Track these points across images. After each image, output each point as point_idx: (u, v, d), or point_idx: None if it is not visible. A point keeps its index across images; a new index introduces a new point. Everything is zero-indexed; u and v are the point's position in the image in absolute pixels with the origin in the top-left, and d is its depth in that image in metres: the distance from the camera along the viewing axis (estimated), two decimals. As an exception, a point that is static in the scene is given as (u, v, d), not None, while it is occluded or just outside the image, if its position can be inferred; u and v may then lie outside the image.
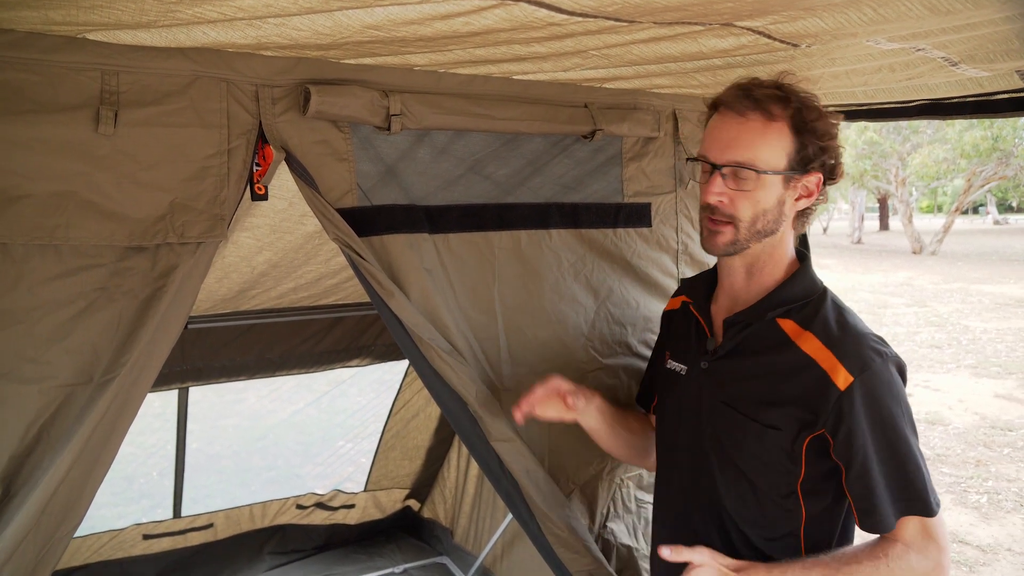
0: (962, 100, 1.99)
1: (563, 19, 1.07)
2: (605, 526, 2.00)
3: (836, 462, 1.34)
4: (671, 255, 2.03)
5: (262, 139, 1.44)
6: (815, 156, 1.35)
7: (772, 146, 1.32)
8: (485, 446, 1.61)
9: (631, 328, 1.96)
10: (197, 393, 3.23)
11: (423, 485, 3.81)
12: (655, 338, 2.01)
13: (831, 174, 1.40)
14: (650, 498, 2.10)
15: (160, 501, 3.68)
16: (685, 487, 1.55)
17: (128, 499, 4.75)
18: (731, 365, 1.46)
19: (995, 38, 1.32)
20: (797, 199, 1.39)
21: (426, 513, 3.82)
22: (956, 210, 22.97)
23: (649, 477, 2.09)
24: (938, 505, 1.33)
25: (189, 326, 2.78)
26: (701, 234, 1.45)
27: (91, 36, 1.24)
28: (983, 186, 22.87)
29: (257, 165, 1.48)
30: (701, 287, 1.60)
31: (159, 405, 3.39)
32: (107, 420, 1.32)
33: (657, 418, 1.68)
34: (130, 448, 5.21)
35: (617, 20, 1.09)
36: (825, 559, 1.31)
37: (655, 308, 1.99)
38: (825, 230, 32.55)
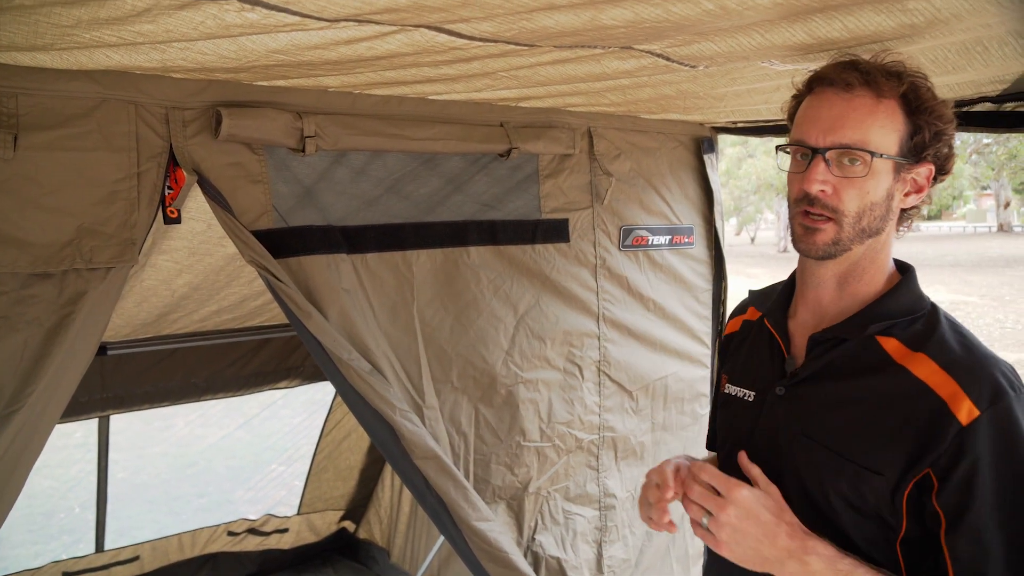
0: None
1: (463, 43, 1.10)
2: (534, 539, 2.03)
3: (937, 510, 1.06)
4: (589, 269, 2.08)
5: (173, 162, 1.43)
6: (930, 143, 1.14)
7: (883, 127, 1.12)
8: (409, 464, 1.62)
9: (550, 342, 2.00)
10: (122, 421, 3.13)
11: (358, 506, 3.77)
12: (575, 352, 2.06)
13: (943, 167, 1.18)
14: (578, 509, 2.14)
15: (82, 536, 3.55)
16: None
17: (48, 536, 4.55)
18: (815, 391, 1.19)
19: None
20: (906, 194, 1.17)
21: (362, 534, 3.78)
22: (874, 218, 23.98)
23: (576, 488, 2.13)
24: None
25: (108, 352, 2.70)
26: (794, 233, 1.21)
27: (-16, 58, 1.22)
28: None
29: (169, 188, 1.46)
30: (775, 298, 1.35)
31: (81, 435, 3.29)
32: (11, 455, 1.28)
33: (717, 454, 1.42)
34: (49, 482, 5.00)
35: (517, 44, 1.13)
36: None
37: (574, 321, 2.03)
38: (753, 240, 33.55)
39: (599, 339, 2.12)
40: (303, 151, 1.53)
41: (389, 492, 3.60)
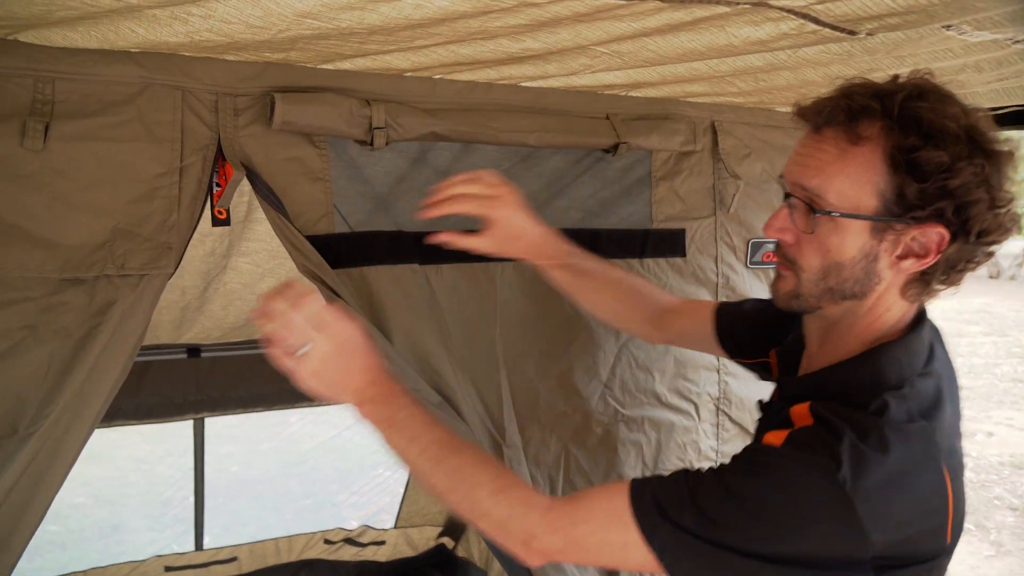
0: (1067, 107, 1.69)
1: (536, -5, 0.85)
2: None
3: None
4: (710, 289, 1.76)
5: (222, 156, 1.26)
6: (924, 202, 0.91)
7: (852, 177, 0.94)
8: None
9: (659, 375, 1.70)
10: (237, 416, 3.12)
11: (456, 523, 3.62)
12: (690, 387, 1.76)
13: (965, 229, 0.92)
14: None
15: (191, 527, 3.60)
16: None
17: (162, 524, 4.71)
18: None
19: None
20: (901, 258, 0.96)
21: (460, 552, 3.63)
22: (1042, 232, 21.74)
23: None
24: (656, 529, 0.93)
25: (202, 354, 2.67)
26: None
27: (22, 38, 1.09)
28: (1073, 206, 21.65)
29: (218, 185, 1.29)
30: (793, 339, 1.23)
31: (200, 426, 3.34)
32: (29, 477, 1.15)
33: None
34: (169, 470, 5.17)
35: (610, -4, 0.86)
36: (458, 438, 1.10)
37: (688, 352, 1.72)
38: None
39: (719, 372, 1.80)
40: (371, 144, 1.32)
41: (488, 512, 3.41)
